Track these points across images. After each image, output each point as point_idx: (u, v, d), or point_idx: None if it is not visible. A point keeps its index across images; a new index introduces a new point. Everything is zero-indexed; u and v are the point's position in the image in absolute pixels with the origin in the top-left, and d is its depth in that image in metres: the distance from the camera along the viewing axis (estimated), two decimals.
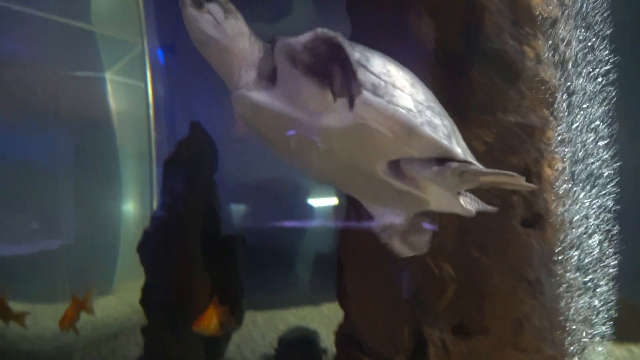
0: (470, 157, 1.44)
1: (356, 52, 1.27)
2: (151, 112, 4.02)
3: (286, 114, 1.22)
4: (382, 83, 1.26)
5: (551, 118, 2.18)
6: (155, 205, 4.07)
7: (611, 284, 2.39)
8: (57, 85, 3.51)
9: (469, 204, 1.56)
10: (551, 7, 2.13)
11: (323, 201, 4.12)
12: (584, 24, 2.26)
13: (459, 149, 1.41)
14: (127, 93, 4.05)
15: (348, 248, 2.46)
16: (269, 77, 1.24)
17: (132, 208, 4.09)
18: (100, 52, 3.84)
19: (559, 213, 2.14)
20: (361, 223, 2.44)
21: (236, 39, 1.22)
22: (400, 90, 1.30)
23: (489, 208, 1.61)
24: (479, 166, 1.41)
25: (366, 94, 1.23)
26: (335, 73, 1.16)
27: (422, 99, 1.37)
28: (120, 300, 3.66)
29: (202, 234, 2.74)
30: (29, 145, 3.36)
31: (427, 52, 2.13)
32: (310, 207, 4.17)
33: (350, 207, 2.56)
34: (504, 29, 2.07)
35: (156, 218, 2.81)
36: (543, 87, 2.14)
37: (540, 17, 2.10)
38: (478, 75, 2.08)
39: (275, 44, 1.21)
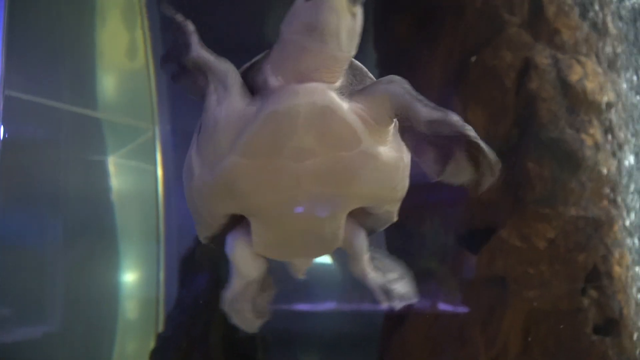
0: None
1: None
2: (160, 194, 3.86)
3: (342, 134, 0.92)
4: None
5: (614, 210, 2.00)
6: (162, 292, 3.81)
7: None
8: (54, 170, 3.38)
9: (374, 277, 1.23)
10: (606, 92, 2.00)
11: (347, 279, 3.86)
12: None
13: None
14: (134, 176, 3.91)
15: (393, 355, 2.20)
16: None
17: (134, 292, 3.81)
18: (105, 138, 3.74)
19: (636, 317, 1.92)
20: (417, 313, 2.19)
21: (343, 57, 0.93)
22: None
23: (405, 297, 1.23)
24: None
25: None
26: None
27: None
28: None
29: (224, 339, 2.47)
30: (21, 229, 3.17)
31: None
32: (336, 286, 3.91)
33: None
34: (560, 117, 1.92)
35: (174, 319, 2.55)
36: (603, 177, 1.98)
37: (596, 102, 1.97)
38: (535, 167, 1.92)
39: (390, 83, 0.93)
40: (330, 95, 0.92)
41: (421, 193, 2.23)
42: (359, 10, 0.92)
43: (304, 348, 3.63)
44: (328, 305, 3.77)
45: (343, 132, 0.93)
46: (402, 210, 2.27)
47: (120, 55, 3.76)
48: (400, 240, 2.29)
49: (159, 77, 3.56)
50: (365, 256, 1.18)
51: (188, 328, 2.41)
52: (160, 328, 2.92)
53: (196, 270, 2.49)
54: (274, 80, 0.95)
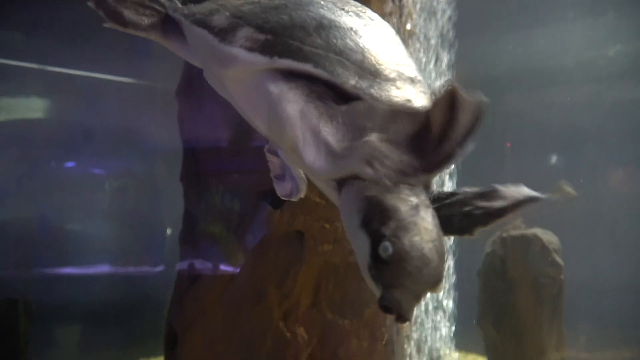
0: None
1: None
2: None
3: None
4: None
5: None
6: None
7: None
8: None
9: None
10: None
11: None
12: None
13: None
14: None
15: (186, 315, 2.12)
16: None
17: None
18: None
19: None
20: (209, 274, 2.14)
21: None
22: None
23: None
24: None
25: None
26: None
27: None
28: None
29: None
30: None
31: None
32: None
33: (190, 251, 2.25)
34: None
35: None
36: None
37: None
38: None
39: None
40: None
41: (227, 154, 2.18)
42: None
43: (73, 316, 3.29)
44: (101, 269, 3.45)
45: None
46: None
47: None
48: (200, 198, 2.21)
49: None
50: None
51: None
52: None
53: None
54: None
